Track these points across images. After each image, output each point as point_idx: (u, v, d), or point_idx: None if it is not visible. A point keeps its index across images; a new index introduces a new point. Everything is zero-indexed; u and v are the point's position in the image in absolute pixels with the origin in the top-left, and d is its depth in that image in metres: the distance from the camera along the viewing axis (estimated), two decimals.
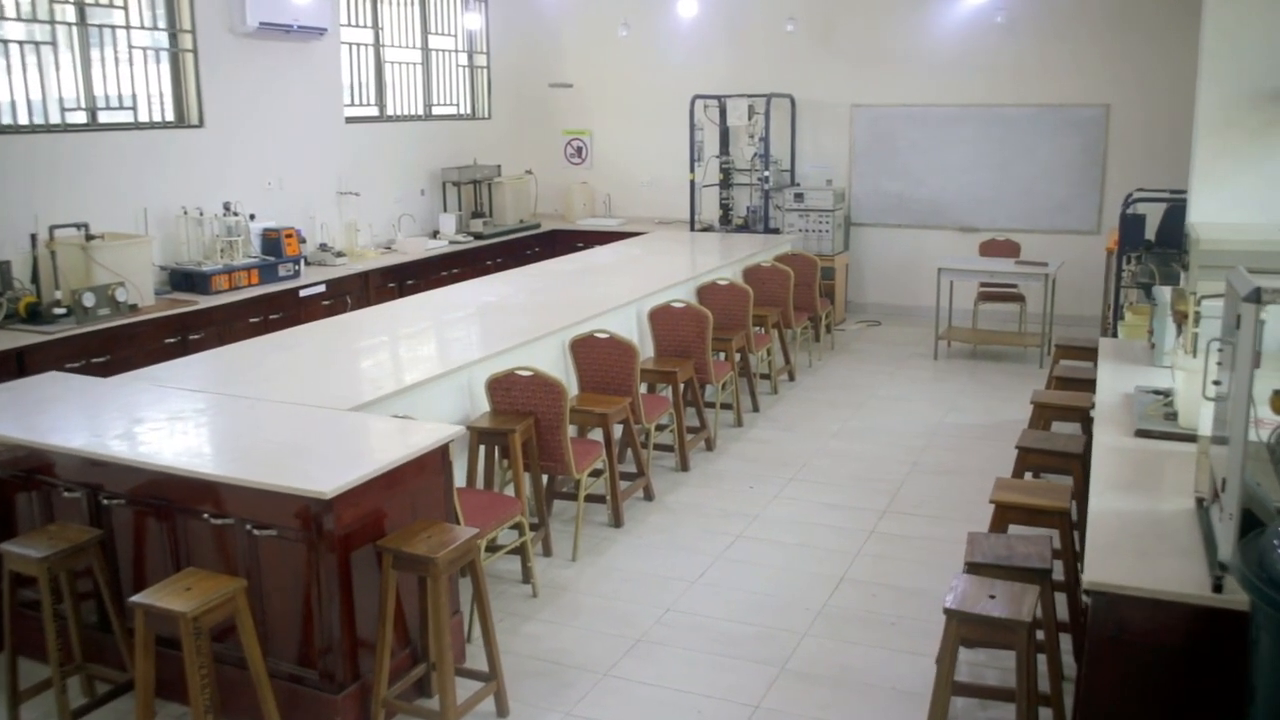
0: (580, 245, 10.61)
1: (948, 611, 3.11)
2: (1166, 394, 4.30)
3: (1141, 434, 3.97)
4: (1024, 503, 4.09)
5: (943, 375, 8.21)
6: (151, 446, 3.72)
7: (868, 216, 10.33)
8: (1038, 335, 8.63)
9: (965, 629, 3.11)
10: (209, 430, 3.93)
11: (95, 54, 6.81)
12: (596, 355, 5.61)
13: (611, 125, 11.25)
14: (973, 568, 3.59)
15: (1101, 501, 3.34)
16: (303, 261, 7.81)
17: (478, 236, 9.73)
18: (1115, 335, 6.15)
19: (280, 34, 7.93)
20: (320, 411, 4.11)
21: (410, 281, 8.84)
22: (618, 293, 6.61)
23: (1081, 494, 4.28)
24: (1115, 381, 4.69)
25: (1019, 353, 8.80)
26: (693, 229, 10.40)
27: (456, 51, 10.40)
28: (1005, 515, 4.13)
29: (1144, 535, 3.04)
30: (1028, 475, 4.77)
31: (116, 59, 6.98)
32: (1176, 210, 6.23)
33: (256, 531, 3.46)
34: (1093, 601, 2.82)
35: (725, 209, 10.38)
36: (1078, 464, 4.65)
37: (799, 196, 9.93)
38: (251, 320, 7.29)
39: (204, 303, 6.89)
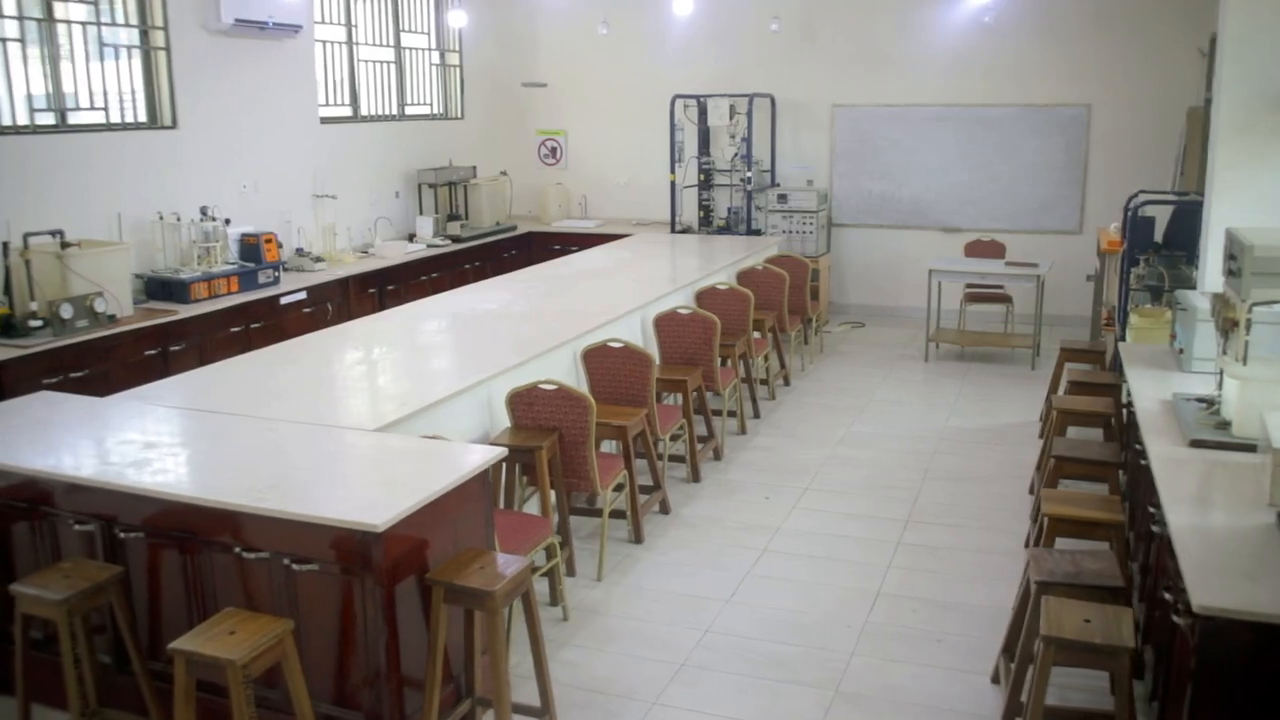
0: (557, 247, 10.43)
1: (1045, 638, 2.98)
2: (1211, 402, 4.23)
3: (1196, 444, 3.89)
4: (1077, 515, 4.00)
5: (936, 377, 8.15)
6: (172, 475, 3.47)
7: (849, 217, 10.26)
8: (1027, 337, 8.61)
9: (1061, 655, 2.98)
10: (230, 455, 3.68)
11: (63, 51, 6.46)
12: (610, 365, 5.42)
13: (587, 125, 11.06)
14: (1044, 587, 3.47)
15: (1178, 517, 3.24)
16: (281, 268, 7.51)
17: (455, 240, 9.48)
18: (1123, 338, 6.10)
19: (255, 31, 7.61)
20: (346, 433, 3.87)
21: (391, 287, 8.58)
22: (620, 299, 6.43)
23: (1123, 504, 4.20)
24: (1148, 388, 4.61)
25: (1007, 354, 8.78)
26: (673, 231, 10.24)
27: (429, 50, 10.12)
28: (1057, 528, 4.03)
29: (1237, 554, 2.94)
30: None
31: (87, 55, 6.63)
32: (1184, 212, 6.22)
33: (296, 566, 3.23)
34: (1201, 626, 2.71)
35: (705, 210, 10.24)
36: (1115, 473, 4.59)
37: (783, 198, 9.82)
38: (233, 330, 7.00)
39: (184, 312, 6.58)
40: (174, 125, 7.20)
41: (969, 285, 9.13)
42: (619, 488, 5.01)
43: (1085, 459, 4.63)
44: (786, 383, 7.89)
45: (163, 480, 3.41)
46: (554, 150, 11.21)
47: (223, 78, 7.53)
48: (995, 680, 3.96)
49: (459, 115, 10.52)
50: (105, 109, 6.77)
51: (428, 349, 5.40)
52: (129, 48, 6.95)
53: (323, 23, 8.67)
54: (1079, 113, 9.37)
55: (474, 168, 10.19)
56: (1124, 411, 5.31)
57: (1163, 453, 3.83)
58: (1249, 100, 5.06)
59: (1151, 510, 3.77)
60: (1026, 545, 5.12)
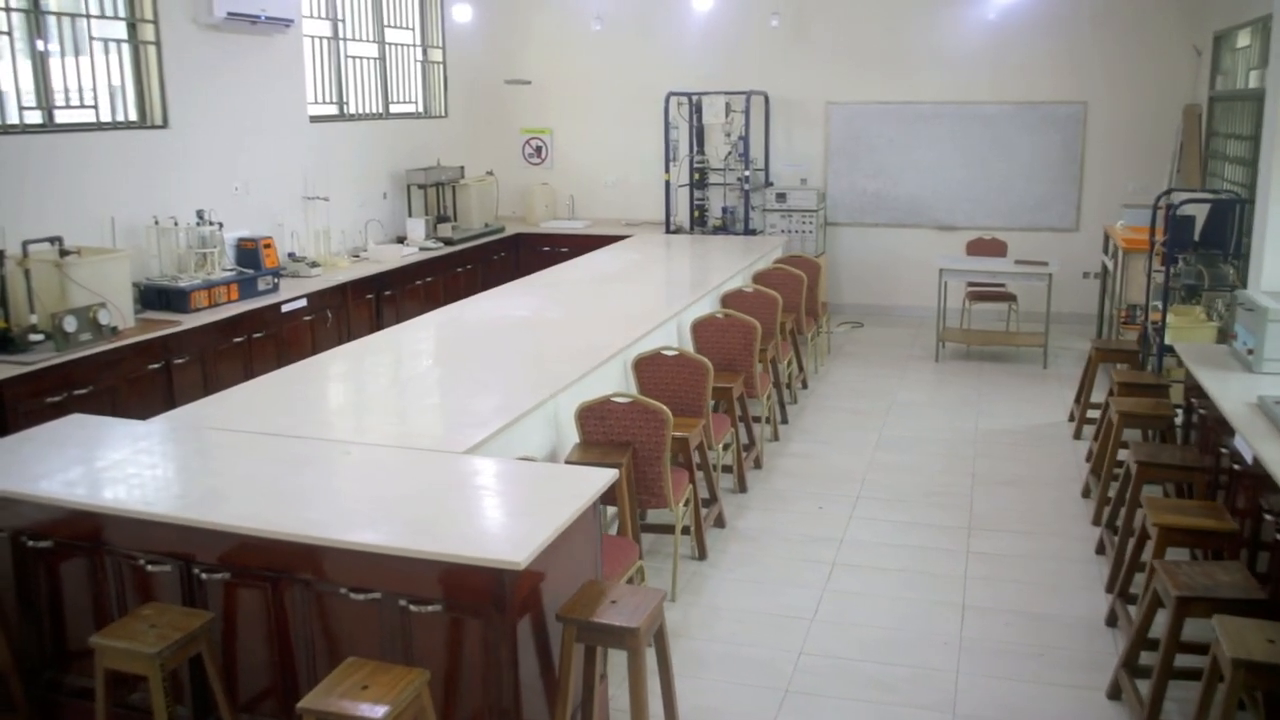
0: (547, 249, 10.17)
1: (1236, 662, 2.83)
2: None
3: None
4: (1190, 525, 3.88)
5: (950, 378, 8.06)
6: (258, 507, 3.15)
7: (844, 216, 10.14)
8: (1034, 335, 8.57)
9: (1252, 678, 2.84)
10: (315, 483, 3.37)
11: (53, 46, 6.03)
12: (664, 374, 5.19)
13: (573, 123, 10.78)
14: (1185, 603, 3.34)
15: None
16: (279, 274, 7.14)
17: (448, 242, 9.15)
18: (1161, 338, 6.04)
19: (246, 26, 7.21)
20: (437, 456, 3.59)
21: (388, 292, 8.24)
22: (652, 305, 6.21)
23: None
24: (1229, 390, 4.52)
25: (1014, 353, 8.73)
26: (668, 231, 10.03)
27: (414, 46, 9.76)
28: (1169, 539, 3.91)
29: None
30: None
31: (76, 49, 6.20)
32: (1220, 210, 6.18)
33: (414, 608, 2.95)
34: None
35: (700, 211, 10.04)
36: (1202, 478, 4.49)
37: (781, 196, 9.67)
38: (235, 340, 6.63)
39: (187, 322, 6.19)
40: (165, 124, 6.78)
41: (970, 284, 9.06)
42: (685, 503, 4.79)
43: (1170, 464, 4.53)
44: (805, 385, 7.73)
45: (253, 514, 3.10)
46: (539, 149, 10.92)
47: (214, 74, 7.13)
48: (1113, 696, 3.83)
49: (442, 114, 10.18)
50: (95, 107, 6.34)
51: (477, 361, 5.07)
52: (117, 42, 6.52)
53: (310, 17, 8.28)
54: (1075, 110, 9.37)
55: (461, 168, 9.86)
56: (1186, 414, 5.22)
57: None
58: None
59: (1272, 518, 3.67)
60: (1098, 552, 5.01)
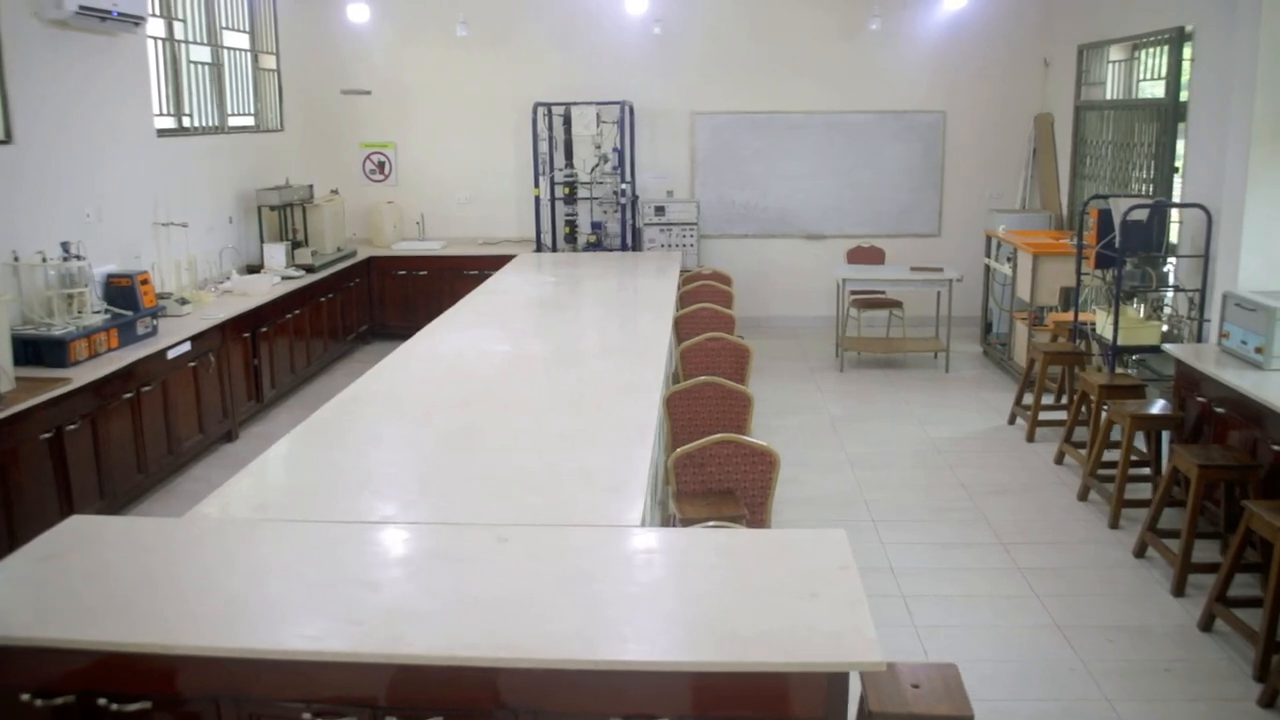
0: (402, 273, 9.41)
1: None
2: None
3: None
4: None
5: (866, 387, 8.04)
6: (448, 626, 2.46)
7: (713, 227, 9.97)
8: (930, 340, 8.74)
9: None
10: (496, 587, 2.68)
11: None
12: (698, 408, 4.73)
13: (419, 137, 9.97)
14: None
15: None
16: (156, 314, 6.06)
17: (309, 269, 8.18)
18: (1115, 339, 6.24)
19: (95, 23, 6.05)
20: (617, 534, 2.98)
21: (263, 329, 7.23)
22: (635, 333, 5.71)
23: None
24: (1267, 390, 4.66)
25: (908, 358, 8.85)
26: (539, 249, 9.47)
27: (250, 51, 8.64)
28: None
29: None
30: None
31: None
32: (1150, 214, 6.45)
33: None
34: None
35: (570, 227, 9.55)
36: (1258, 476, 4.59)
37: (660, 210, 9.36)
38: (125, 396, 5.54)
39: (77, 379, 5.08)
40: (8, 139, 5.54)
41: (854, 292, 9.13)
42: None
43: (1229, 465, 4.60)
44: None
45: (455, 637, 2.40)
46: (381, 165, 10.01)
47: (60, 80, 5.93)
48: (1266, 705, 3.78)
49: (278, 127, 9.09)
50: None
51: (543, 414, 4.26)
52: None
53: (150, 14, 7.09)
54: (935, 119, 9.68)
55: (310, 187, 8.85)
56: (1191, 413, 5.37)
57: None
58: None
59: None
60: (1137, 555, 5.04)
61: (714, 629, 2.44)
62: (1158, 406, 5.45)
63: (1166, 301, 6.52)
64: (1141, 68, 7.58)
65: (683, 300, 7.05)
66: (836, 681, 2.36)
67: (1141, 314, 6.72)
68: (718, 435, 3.94)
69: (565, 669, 2.36)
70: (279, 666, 2.41)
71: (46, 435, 4.86)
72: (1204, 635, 4.30)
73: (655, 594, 2.63)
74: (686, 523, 3.70)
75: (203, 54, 7.91)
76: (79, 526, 3.09)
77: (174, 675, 2.46)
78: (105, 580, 2.72)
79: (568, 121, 9.31)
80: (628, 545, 2.91)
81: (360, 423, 4.14)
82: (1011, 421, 7.06)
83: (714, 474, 3.93)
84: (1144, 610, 4.52)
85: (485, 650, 2.36)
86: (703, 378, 4.78)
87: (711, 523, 3.19)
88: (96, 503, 5.28)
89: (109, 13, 6.05)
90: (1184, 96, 6.86)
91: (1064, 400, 6.94)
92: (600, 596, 2.60)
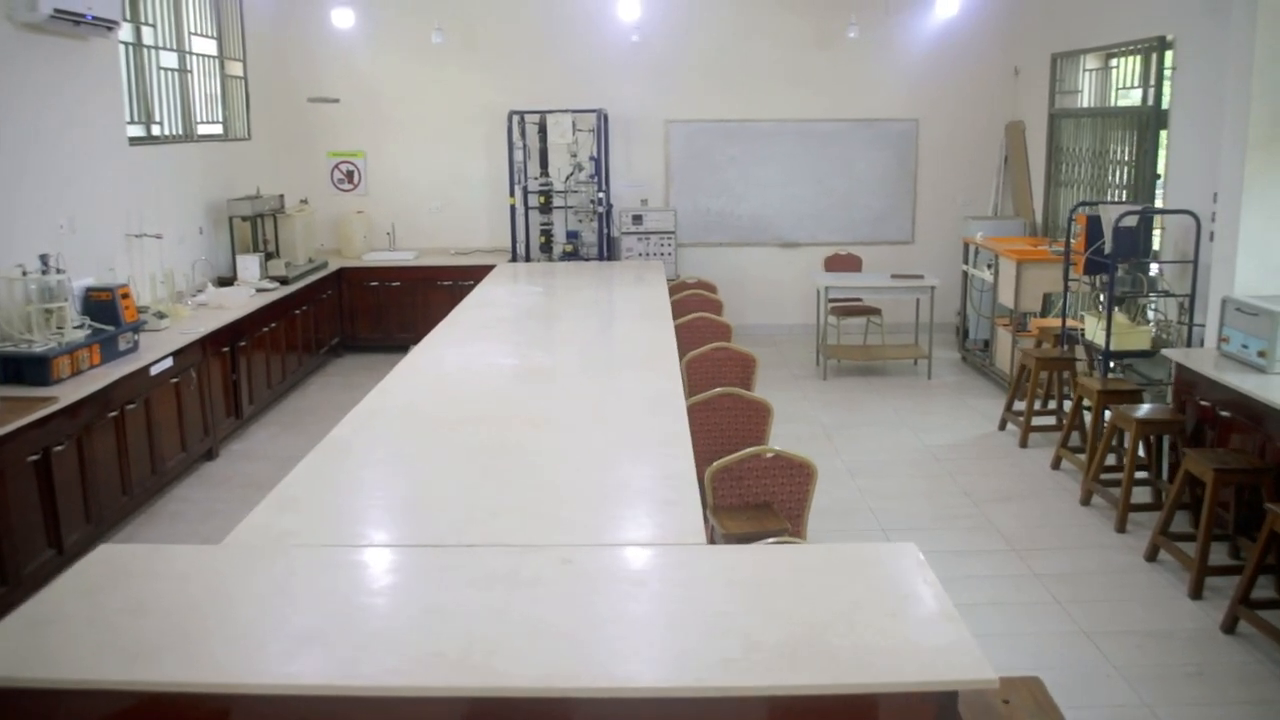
0: (375, 284, 9.23)
1: None
2: None
3: None
4: None
5: (852, 394, 8.03)
6: (538, 655, 2.34)
7: (687, 236, 9.92)
8: (909, 347, 8.77)
9: None
10: (572, 613, 2.54)
11: None
12: (721, 419, 4.66)
13: (389, 146, 9.78)
14: None
15: None
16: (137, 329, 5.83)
17: (283, 281, 7.96)
18: (1108, 345, 6.30)
19: (69, 27, 5.81)
20: (675, 550, 2.89)
21: (241, 343, 7.01)
22: (641, 342, 5.63)
23: None
24: (1271, 393, 4.73)
25: (889, 365, 8.87)
26: (514, 259, 9.34)
27: (217, 58, 8.38)
28: None
29: None
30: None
31: None
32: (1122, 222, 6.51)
33: None
34: None
35: (546, 236, 9.42)
36: (1270, 479, 4.63)
37: (638, 218, 9.28)
38: (110, 415, 5.32)
39: (64, 397, 4.85)
40: None
41: (833, 300, 9.13)
42: None
43: (1245, 469, 4.64)
44: None
45: (552, 667, 2.29)
46: (350, 174, 9.80)
47: (33, 85, 5.69)
48: None
49: (245, 135, 8.84)
50: None
51: (549, 424, 4.14)
52: None
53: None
54: (908, 127, 9.74)
55: (281, 197, 8.62)
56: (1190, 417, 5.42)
57: None
58: (1277, 112, 5.35)
59: None
60: (1149, 559, 5.07)
61: (809, 649, 2.35)
62: (1158, 411, 5.49)
63: (1154, 307, 6.59)
64: (1119, 76, 7.69)
65: (674, 310, 6.96)
66: (946, 701, 2.29)
67: (1128, 319, 6.78)
68: (755, 448, 3.86)
69: (659, 697, 2.25)
70: (360, 703, 2.28)
71: (34, 457, 4.63)
72: (1228, 638, 4.32)
73: (738, 614, 2.53)
74: (730, 538, 3.63)
75: (170, 60, 7.65)
76: (111, 557, 2.91)
77: (237, 715, 2.32)
78: (152, 614, 2.55)
79: (543, 129, 9.19)
80: (697, 563, 2.81)
81: (383, 440, 3.98)
82: (1002, 427, 7.10)
83: (751, 487, 3.85)
84: (1165, 614, 4.54)
85: (574, 680, 2.25)
86: (719, 389, 4.71)
87: (771, 539, 3.11)
88: (83, 528, 5.04)
89: (83, 16, 5.82)
90: (1164, 104, 6.96)
91: (1050, 405, 6.99)
92: (680, 618, 2.50)
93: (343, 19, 8.96)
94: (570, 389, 4.85)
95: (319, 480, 3.56)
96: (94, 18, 5.92)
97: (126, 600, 2.64)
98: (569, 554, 2.85)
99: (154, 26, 7.29)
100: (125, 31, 6.88)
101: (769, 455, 3.83)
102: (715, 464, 3.81)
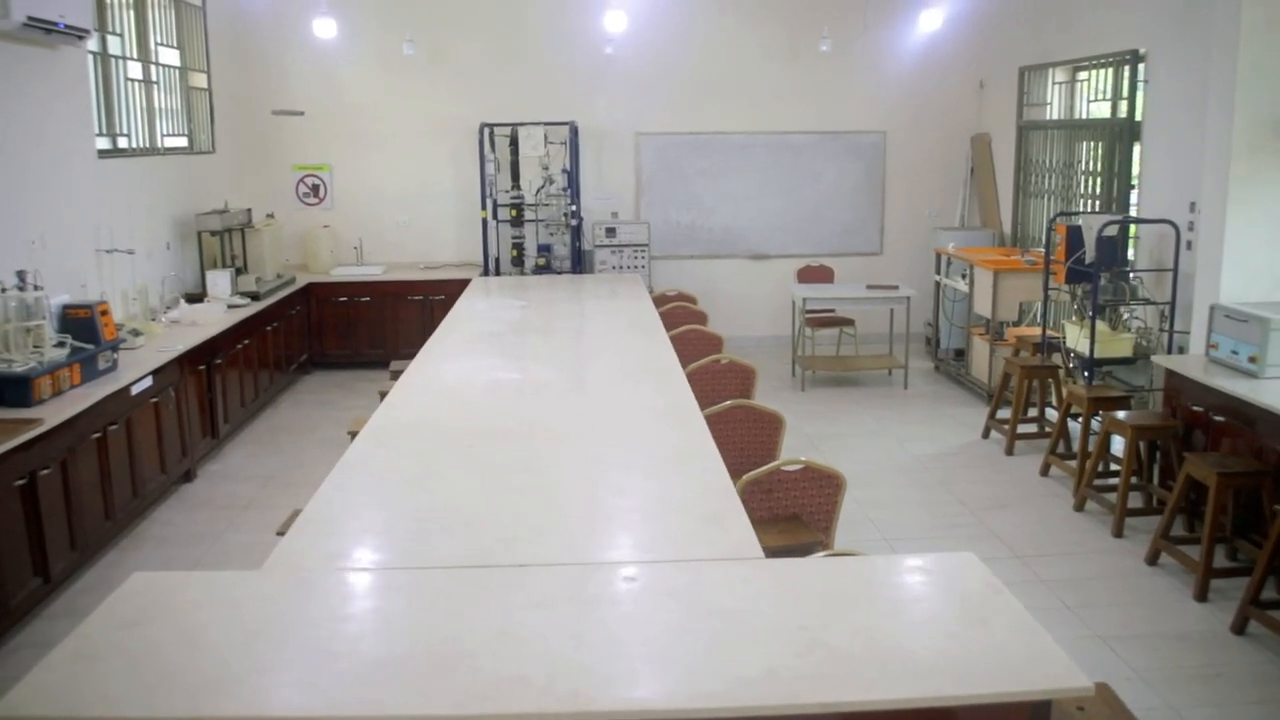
0: (344, 300, 9.06)
1: None
2: None
3: None
4: None
5: (831, 405, 8.06)
6: (654, 683, 2.28)
7: (659, 248, 9.90)
8: (884, 357, 8.83)
9: None
10: (648, 631, 2.49)
11: None
12: (734, 431, 4.62)
13: (355, 159, 9.62)
14: None
15: None
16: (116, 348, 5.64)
17: (254, 297, 7.77)
18: (1055, 351, 6.40)
19: (40, 36, 5.61)
20: (735, 565, 2.84)
21: (217, 361, 6.82)
22: (639, 356, 5.58)
23: None
24: (1264, 397, 4.82)
25: (863, 376, 8.92)
26: (486, 273, 9.23)
27: (180, 69, 8.16)
28: None
29: None
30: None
31: None
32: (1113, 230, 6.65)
33: None
34: None
35: (518, 249, 9.33)
36: (1270, 482, 4.72)
37: (611, 231, 9.23)
38: (93, 436, 5.13)
39: (49, 419, 4.66)
40: None
41: (809, 310, 9.17)
42: None
43: (1247, 472, 4.72)
44: None
45: (665, 690, 2.23)
46: (316, 188, 9.61)
47: (3, 96, 5.48)
48: None
49: (210, 148, 8.63)
50: None
51: (570, 439, 4.03)
52: None
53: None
54: (876, 139, 9.84)
55: (249, 211, 8.42)
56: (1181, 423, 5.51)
57: None
58: (1259, 122, 5.48)
59: None
60: (1150, 563, 5.13)
61: (897, 661, 2.32)
62: (1151, 416, 5.58)
63: (1135, 314, 6.71)
64: (1090, 89, 7.84)
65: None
66: (1040, 710, 2.27)
67: (1109, 327, 6.90)
68: (786, 459, 3.83)
69: (760, 715, 2.20)
70: None
71: (20, 482, 4.43)
72: (1239, 638, 4.38)
73: (817, 627, 2.49)
74: (770, 552, 3.58)
75: (136, 71, 7.43)
76: (146, 586, 2.77)
77: None
78: (203, 646, 2.43)
79: (514, 142, 9.10)
80: (760, 578, 2.77)
81: (405, 457, 3.87)
82: (985, 435, 7.16)
83: (780, 499, 3.82)
84: (1174, 617, 4.60)
85: (671, 702, 2.19)
86: (730, 401, 4.68)
87: (821, 552, 3.07)
88: (68, 555, 4.85)
89: (55, 24, 5.62)
90: (1138, 115, 7.12)
91: (1031, 413, 7.07)
92: (764, 634, 2.46)
93: (325, 29, 8.78)
94: (582, 403, 4.79)
95: (348, 501, 3.44)
96: (66, 26, 5.72)
97: (177, 631, 2.52)
98: (631, 571, 2.79)
99: (120, 36, 7.07)
100: (92, 41, 6.67)
101: (798, 466, 3.80)
102: (746, 476, 3.77)
